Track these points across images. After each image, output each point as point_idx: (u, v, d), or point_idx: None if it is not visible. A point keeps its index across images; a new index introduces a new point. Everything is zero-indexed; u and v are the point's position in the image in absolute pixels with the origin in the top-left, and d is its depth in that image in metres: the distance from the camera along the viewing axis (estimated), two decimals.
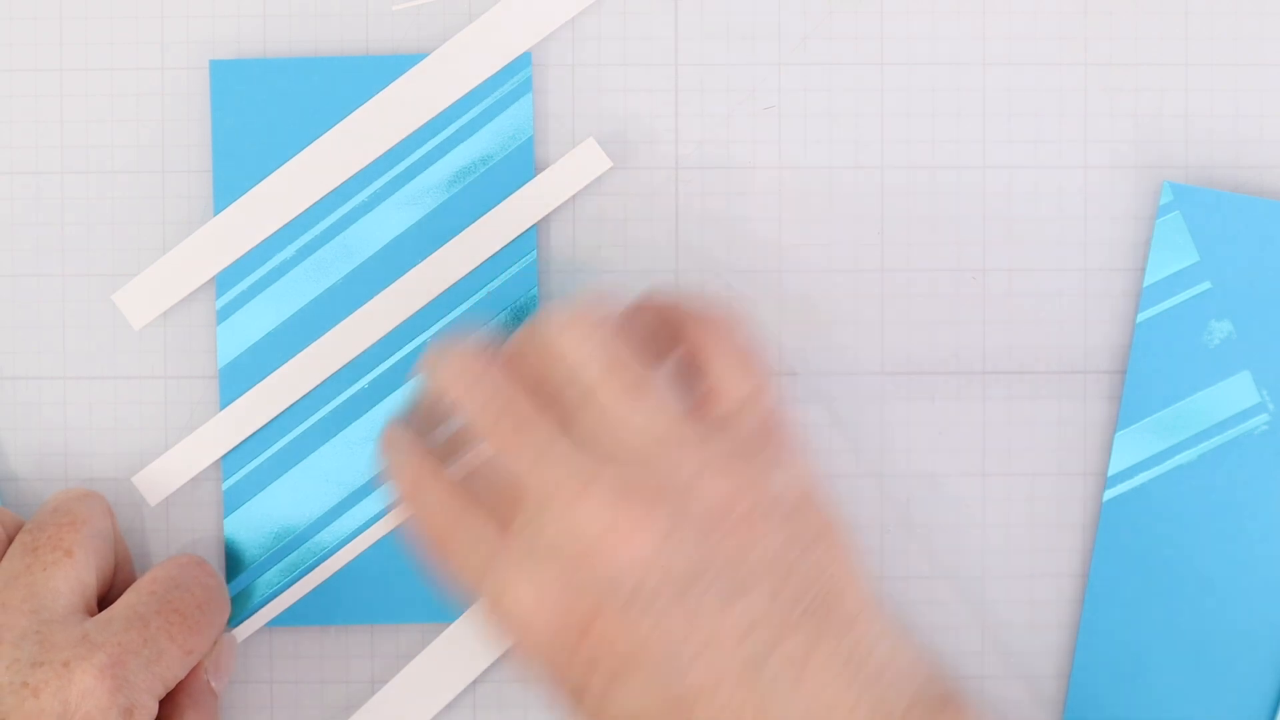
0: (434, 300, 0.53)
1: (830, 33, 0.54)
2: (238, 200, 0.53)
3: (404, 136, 0.53)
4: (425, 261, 0.53)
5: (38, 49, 0.53)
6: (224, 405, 0.53)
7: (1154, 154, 0.54)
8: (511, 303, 0.53)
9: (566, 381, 0.45)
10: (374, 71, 0.53)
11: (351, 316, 0.53)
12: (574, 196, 0.53)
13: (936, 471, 0.54)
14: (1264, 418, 0.52)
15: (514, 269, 0.53)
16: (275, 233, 0.53)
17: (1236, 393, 0.52)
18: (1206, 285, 0.53)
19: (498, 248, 0.53)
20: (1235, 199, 0.52)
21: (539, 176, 0.53)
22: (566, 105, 0.53)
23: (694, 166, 0.54)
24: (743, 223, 0.54)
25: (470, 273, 0.53)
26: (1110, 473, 0.53)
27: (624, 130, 0.53)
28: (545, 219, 0.53)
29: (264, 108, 0.53)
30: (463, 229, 0.53)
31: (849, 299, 0.53)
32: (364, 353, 0.53)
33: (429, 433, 0.48)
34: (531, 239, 0.53)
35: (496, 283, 0.53)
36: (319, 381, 0.53)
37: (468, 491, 0.45)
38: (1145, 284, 0.53)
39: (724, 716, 0.42)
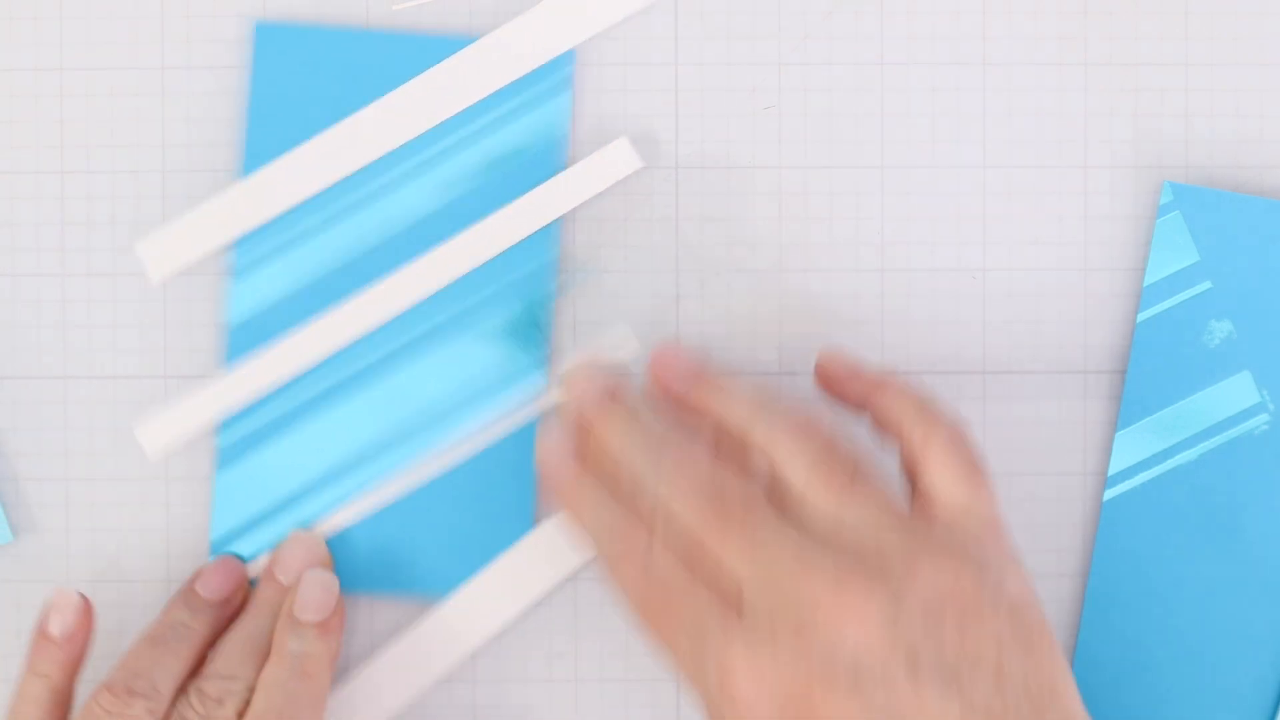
0: (448, 286, 0.53)
1: (830, 33, 0.54)
2: (265, 166, 0.53)
3: (438, 121, 0.53)
4: (444, 245, 0.53)
5: (38, 49, 0.53)
6: (230, 363, 0.53)
7: (1154, 154, 0.54)
8: (527, 297, 0.53)
9: (773, 472, 0.46)
10: (415, 51, 0.53)
11: (365, 292, 0.53)
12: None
13: None
14: (1264, 418, 0.52)
15: (532, 263, 0.53)
16: (299, 202, 0.53)
17: (1236, 393, 0.52)
18: (1206, 285, 0.53)
19: (519, 238, 0.53)
20: (1235, 199, 0.52)
21: (566, 171, 0.53)
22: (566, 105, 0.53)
23: (694, 166, 0.54)
24: (743, 223, 0.54)
25: (486, 262, 0.53)
26: (1110, 473, 0.53)
27: (624, 130, 0.53)
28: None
29: (304, 75, 0.53)
30: (485, 217, 0.53)
31: (849, 299, 0.53)
32: (374, 329, 0.53)
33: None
34: (553, 233, 0.53)
35: (514, 276, 0.53)
36: (326, 352, 0.53)
37: (686, 568, 0.45)
38: (1145, 284, 0.53)
39: None
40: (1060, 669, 0.43)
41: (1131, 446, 0.53)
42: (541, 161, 0.53)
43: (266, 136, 0.53)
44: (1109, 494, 0.53)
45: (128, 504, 0.53)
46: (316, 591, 0.51)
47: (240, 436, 0.53)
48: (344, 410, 0.53)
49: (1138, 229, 0.54)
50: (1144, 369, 0.53)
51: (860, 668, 0.42)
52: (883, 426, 0.48)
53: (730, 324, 0.53)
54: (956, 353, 0.54)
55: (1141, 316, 0.53)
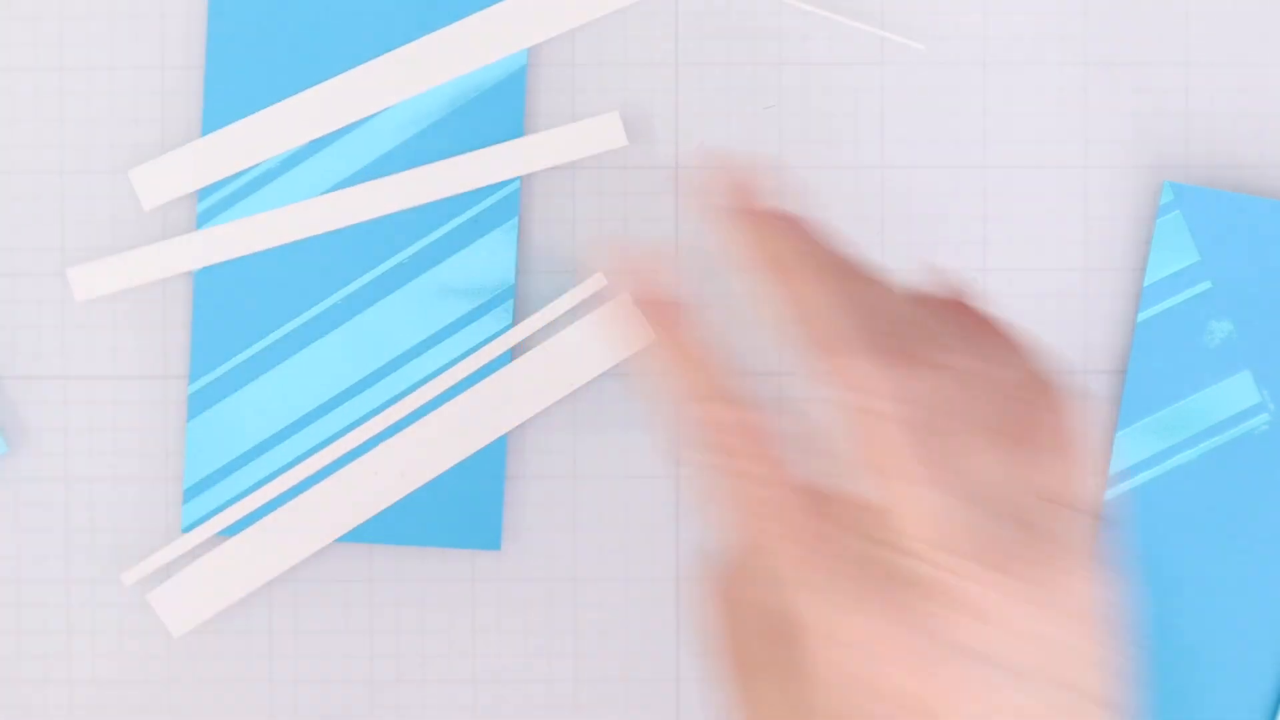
0: (413, 226, 0.53)
1: (830, 33, 0.54)
2: (232, 123, 0.53)
3: (403, 95, 0.53)
4: (409, 173, 0.53)
5: (38, 49, 0.53)
6: (196, 312, 0.53)
7: (1154, 154, 0.54)
8: (489, 252, 0.53)
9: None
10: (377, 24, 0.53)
11: (327, 215, 0.53)
12: (572, 194, 0.53)
13: None
14: (1264, 417, 0.52)
15: (491, 198, 0.53)
16: (260, 146, 0.53)
17: (1237, 393, 0.52)
18: (1206, 285, 0.53)
19: (482, 183, 0.53)
20: (1235, 199, 0.53)
21: (548, 132, 0.53)
22: (566, 105, 0.53)
23: (694, 166, 0.54)
24: None
25: (449, 208, 0.53)
26: (1110, 473, 0.53)
27: (624, 130, 0.54)
28: (540, 216, 0.53)
29: (263, 33, 0.53)
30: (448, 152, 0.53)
31: None
32: (338, 268, 0.53)
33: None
34: (514, 193, 0.53)
35: (474, 210, 0.53)
36: (295, 287, 0.53)
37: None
38: (1145, 284, 0.53)
39: None
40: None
41: (1131, 446, 0.53)
42: (503, 97, 0.53)
43: (227, 84, 0.53)
44: (1109, 494, 0.53)
45: (126, 503, 0.53)
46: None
47: (209, 383, 0.53)
48: (313, 354, 0.53)
49: (1138, 229, 0.54)
50: (1144, 369, 0.53)
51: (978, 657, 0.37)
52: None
53: (730, 324, 0.53)
54: None
55: (1141, 316, 0.53)
